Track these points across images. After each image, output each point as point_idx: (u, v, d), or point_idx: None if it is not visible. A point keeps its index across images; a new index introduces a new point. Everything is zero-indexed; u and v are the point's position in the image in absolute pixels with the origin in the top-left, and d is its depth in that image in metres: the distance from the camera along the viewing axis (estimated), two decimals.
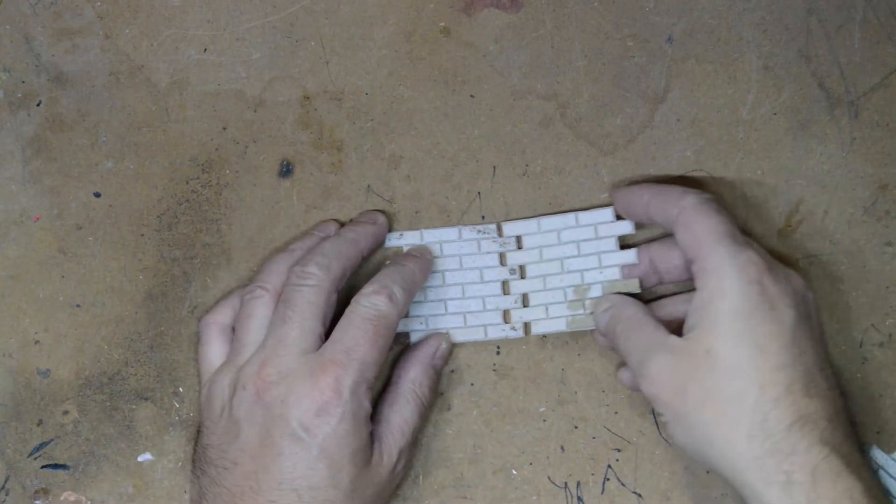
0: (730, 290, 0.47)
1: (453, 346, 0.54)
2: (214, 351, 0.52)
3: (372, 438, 0.49)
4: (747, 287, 0.46)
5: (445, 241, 0.55)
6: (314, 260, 0.50)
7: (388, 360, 0.54)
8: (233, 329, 0.52)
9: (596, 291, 0.53)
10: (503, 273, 0.54)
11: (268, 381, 0.48)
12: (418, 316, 0.54)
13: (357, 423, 0.48)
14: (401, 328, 0.54)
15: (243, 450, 0.48)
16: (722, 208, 0.49)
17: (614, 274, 0.53)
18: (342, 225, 0.55)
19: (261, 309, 0.51)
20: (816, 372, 0.46)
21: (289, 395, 0.47)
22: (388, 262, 0.53)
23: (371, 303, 0.49)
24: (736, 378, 0.46)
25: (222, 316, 0.53)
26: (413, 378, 0.52)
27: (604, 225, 0.54)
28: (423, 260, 0.53)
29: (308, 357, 0.48)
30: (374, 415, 0.50)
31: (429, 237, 0.55)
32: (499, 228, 0.55)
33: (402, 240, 0.55)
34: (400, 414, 0.51)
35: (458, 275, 0.54)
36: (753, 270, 0.47)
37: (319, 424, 0.47)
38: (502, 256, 0.55)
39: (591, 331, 0.54)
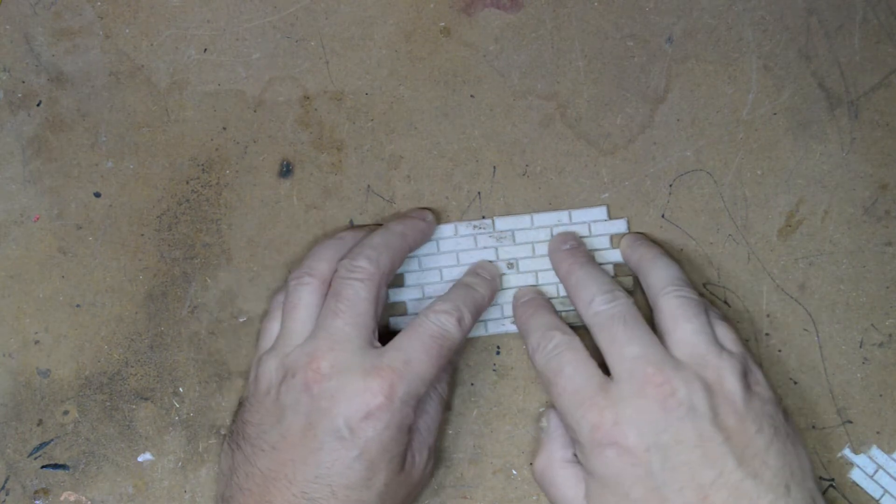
0: (593, 467, 0.47)
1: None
2: (275, 328, 0.52)
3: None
4: (601, 457, 0.46)
5: (442, 238, 0.55)
6: (364, 253, 0.50)
7: None
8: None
9: None
10: (501, 267, 0.54)
11: (319, 373, 0.48)
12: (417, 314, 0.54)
13: (401, 433, 0.48)
14: (401, 326, 0.54)
15: (284, 436, 0.48)
16: (571, 356, 0.49)
17: (608, 271, 0.54)
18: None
19: (308, 297, 0.50)
20: (710, 490, 0.45)
21: (339, 392, 0.47)
22: (457, 282, 0.53)
23: (441, 322, 0.49)
24: None
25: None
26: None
27: (597, 223, 0.54)
28: (493, 283, 0.53)
29: (364, 355, 0.48)
30: None
31: None
32: (493, 223, 0.55)
33: None
34: (427, 413, 0.51)
35: (456, 271, 0.54)
36: (600, 436, 0.46)
37: (365, 427, 0.47)
38: (497, 252, 0.55)
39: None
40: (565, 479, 0.49)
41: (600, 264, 0.54)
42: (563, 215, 0.54)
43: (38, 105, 0.57)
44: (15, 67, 0.57)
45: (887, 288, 0.54)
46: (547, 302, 0.53)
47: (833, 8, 0.55)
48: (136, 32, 0.57)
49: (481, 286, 0.53)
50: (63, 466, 0.54)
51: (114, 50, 0.57)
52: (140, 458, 0.55)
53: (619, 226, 0.54)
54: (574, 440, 0.48)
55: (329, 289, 0.50)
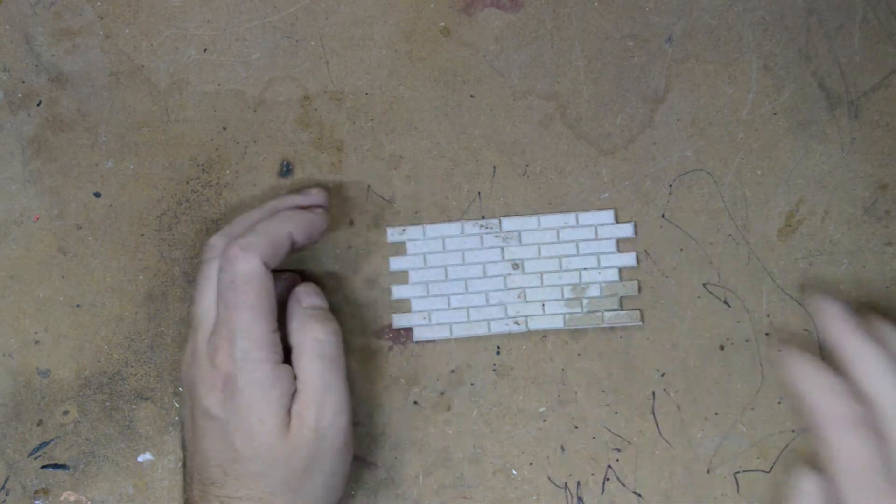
0: None
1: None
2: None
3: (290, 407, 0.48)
4: None
5: (448, 237, 0.55)
6: (222, 231, 0.51)
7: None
8: None
9: (594, 291, 0.54)
10: (506, 268, 0.54)
11: (185, 364, 0.50)
12: (421, 311, 0.54)
13: (264, 387, 0.47)
14: (404, 323, 0.54)
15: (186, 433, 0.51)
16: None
17: (613, 275, 0.54)
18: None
19: (208, 270, 0.51)
20: None
21: (195, 380, 0.48)
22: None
23: (228, 268, 0.48)
24: None
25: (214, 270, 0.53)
26: (294, 329, 0.49)
27: (604, 227, 0.54)
28: (313, 212, 0.52)
29: (209, 340, 0.48)
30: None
31: (431, 232, 0.55)
32: (500, 223, 0.55)
33: (405, 235, 0.55)
34: (305, 372, 0.48)
35: (461, 270, 0.54)
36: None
37: (224, 401, 0.47)
38: (503, 251, 0.55)
39: (590, 329, 0.54)
40: None
41: (605, 268, 0.54)
42: (569, 217, 0.54)
43: (38, 105, 0.57)
44: (15, 67, 0.57)
45: (887, 288, 0.54)
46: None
47: (833, 8, 0.55)
48: (136, 32, 0.57)
49: (295, 211, 0.51)
50: (63, 466, 0.54)
51: (114, 50, 0.57)
52: (140, 458, 0.54)
53: (627, 230, 0.54)
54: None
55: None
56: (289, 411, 0.47)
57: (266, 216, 0.50)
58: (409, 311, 0.54)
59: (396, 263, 0.55)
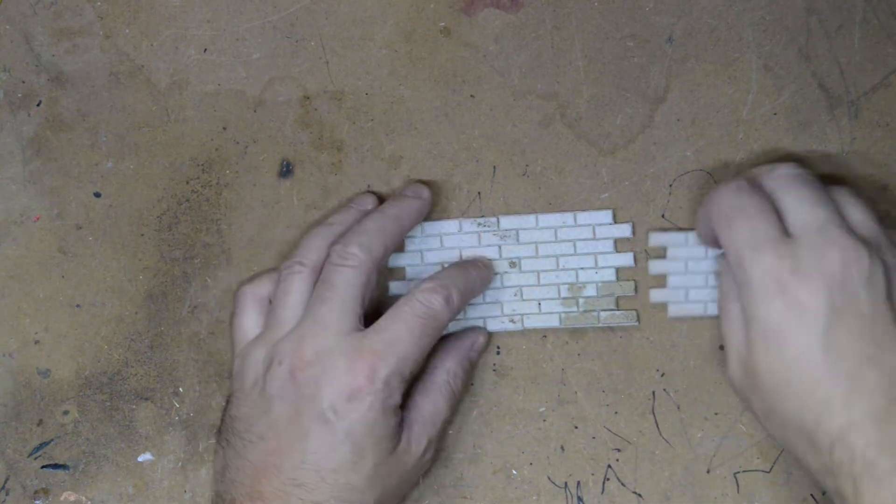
0: (757, 312, 0.46)
1: (489, 337, 0.54)
2: (249, 321, 0.52)
3: (401, 426, 0.49)
4: (769, 304, 0.45)
5: (445, 234, 0.55)
6: (356, 240, 0.50)
7: None
8: (269, 302, 0.52)
9: (590, 291, 0.54)
10: (503, 266, 0.54)
11: (303, 359, 0.48)
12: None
13: (385, 414, 0.48)
14: (402, 290, 0.54)
15: (270, 426, 0.48)
16: (751, 201, 0.47)
17: (610, 275, 0.54)
18: (381, 199, 0.55)
19: (298, 285, 0.50)
20: (866, 365, 0.44)
21: (322, 376, 0.47)
22: (449, 265, 0.53)
23: (427, 300, 0.49)
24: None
25: (260, 288, 0.53)
26: (448, 368, 0.52)
27: (602, 227, 0.54)
28: (487, 271, 0.53)
29: (346, 339, 0.48)
30: (406, 402, 0.50)
31: (430, 230, 0.55)
32: (498, 222, 0.55)
33: None
34: (433, 403, 0.51)
35: None
36: (772, 282, 0.45)
37: (348, 409, 0.47)
38: (501, 249, 0.55)
39: (590, 329, 0.54)
40: (736, 315, 0.48)
41: (602, 268, 0.54)
42: (567, 217, 0.54)
43: (38, 105, 0.57)
44: (15, 67, 0.57)
45: None
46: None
47: (833, 8, 0.55)
48: (136, 32, 0.57)
49: (474, 269, 0.52)
50: (63, 466, 0.54)
51: (114, 50, 0.57)
52: (140, 458, 0.55)
53: (625, 230, 0.54)
54: (741, 284, 0.47)
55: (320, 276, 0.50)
56: (400, 433, 0.49)
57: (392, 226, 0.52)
58: (403, 281, 0.55)
59: (394, 260, 0.55)
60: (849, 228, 0.46)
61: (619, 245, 0.54)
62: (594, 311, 0.54)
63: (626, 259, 0.54)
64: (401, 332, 0.48)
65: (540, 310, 0.54)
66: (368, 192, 0.55)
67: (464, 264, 0.53)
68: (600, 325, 0.54)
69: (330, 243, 0.51)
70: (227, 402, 0.51)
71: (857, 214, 0.47)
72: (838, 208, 0.47)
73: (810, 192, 0.47)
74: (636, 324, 0.54)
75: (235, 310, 0.53)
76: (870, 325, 0.44)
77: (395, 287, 0.55)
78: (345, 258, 0.49)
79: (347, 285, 0.49)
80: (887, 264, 0.46)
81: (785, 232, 0.46)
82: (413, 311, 0.49)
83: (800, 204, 0.47)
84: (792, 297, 0.45)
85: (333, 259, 0.50)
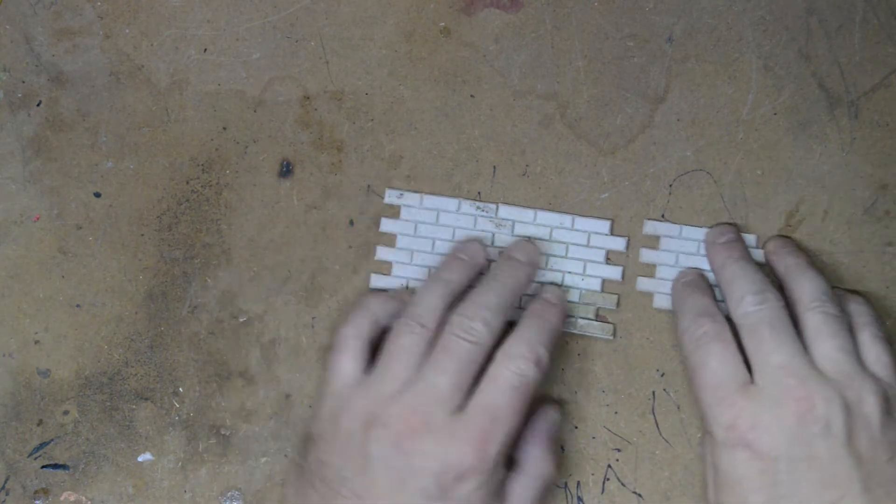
0: (720, 463, 0.47)
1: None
2: (349, 363, 0.50)
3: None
4: (730, 456, 0.47)
5: (443, 210, 0.55)
6: (479, 315, 0.49)
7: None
8: (369, 344, 0.51)
9: (573, 296, 0.54)
10: (493, 253, 0.54)
11: (412, 429, 0.47)
12: (401, 277, 0.55)
13: (490, 494, 0.47)
14: (381, 284, 0.55)
15: (369, 488, 0.47)
16: (717, 347, 0.49)
17: (595, 285, 0.54)
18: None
19: (417, 346, 0.49)
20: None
21: (432, 451, 0.46)
22: (528, 313, 0.52)
23: (520, 369, 0.48)
24: None
25: (360, 329, 0.51)
26: (536, 456, 0.51)
27: (597, 236, 0.54)
28: (562, 307, 0.52)
29: (458, 416, 0.47)
30: (503, 490, 0.49)
31: (429, 203, 0.55)
32: (497, 209, 0.55)
33: (402, 200, 0.55)
34: (523, 493, 0.50)
35: (448, 246, 0.54)
36: (733, 437, 0.46)
37: (456, 488, 0.46)
38: (494, 237, 0.55)
39: (592, 332, 0.54)
40: (708, 460, 0.49)
41: (589, 276, 0.54)
42: (566, 219, 0.54)
43: (38, 105, 0.57)
44: (15, 67, 0.57)
45: (887, 288, 0.54)
46: (707, 285, 0.52)
47: (833, 8, 0.55)
48: (136, 32, 0.57)
49: (550, 312, 0.51)
50: (63, 466, 0.54)
51: (114, 50, 0.57)
52: (140, 458, 0.55)
53: (619, 243, 0.54)
54: (706, 432, 0.48)
55: (437, 339, 0.49)
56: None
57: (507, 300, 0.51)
58: (389, 273, 0.55)
59: (387, 225, 0.55)
60: (810, 371, 0.47)
61: (610, 257, 0.54)
62: (573, 316, 0.54)
63: (614, 272, 0.54)
64: (502, 405, 0.47)
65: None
66: (474, 239, 0.54)
67: (540, 310, 0.51)
68: (576, 331, 0.54)
69: (447, 304, 0.50)
70: (310, 439, 0.50)
71: (871, 349, 0.49)
72: (848, 320, 0.50)
73: (770, 332, 0.48)
74: (611, 338, 0.54)
75: (335, 347, 0.51)
76: (829, 471, 0.45)
77: (381, 252, 0.55)
78: (468, 332, 0.48)
79: (469, 361, 0.48)
80: (849, 403, 0.46)
81: (748, 373, 0.48)
82: (510, 383, 0.48)
83: (760, 346, 0.48)
84: (752, 450, 0.46)
85: (457, 330, 0.49)
